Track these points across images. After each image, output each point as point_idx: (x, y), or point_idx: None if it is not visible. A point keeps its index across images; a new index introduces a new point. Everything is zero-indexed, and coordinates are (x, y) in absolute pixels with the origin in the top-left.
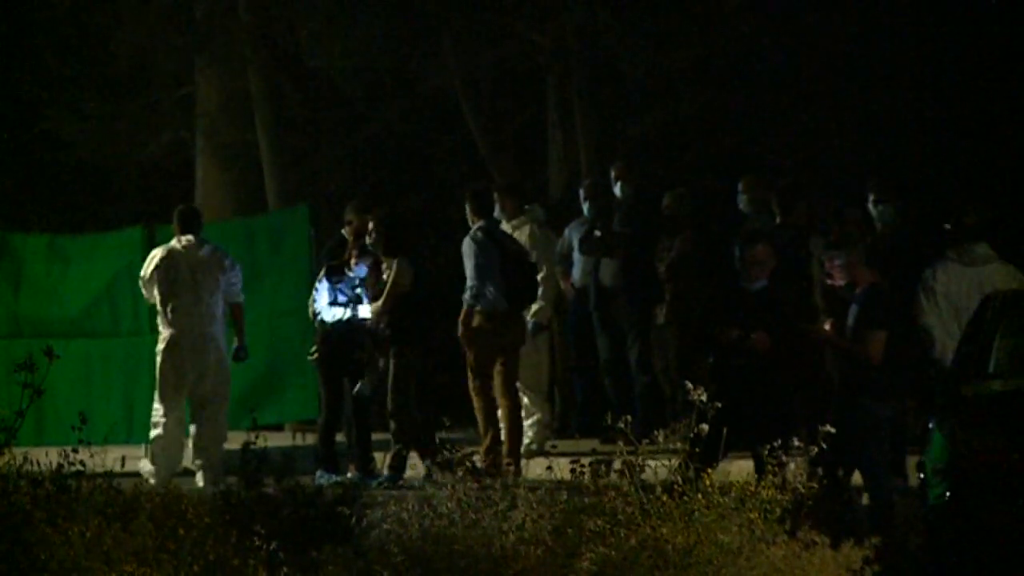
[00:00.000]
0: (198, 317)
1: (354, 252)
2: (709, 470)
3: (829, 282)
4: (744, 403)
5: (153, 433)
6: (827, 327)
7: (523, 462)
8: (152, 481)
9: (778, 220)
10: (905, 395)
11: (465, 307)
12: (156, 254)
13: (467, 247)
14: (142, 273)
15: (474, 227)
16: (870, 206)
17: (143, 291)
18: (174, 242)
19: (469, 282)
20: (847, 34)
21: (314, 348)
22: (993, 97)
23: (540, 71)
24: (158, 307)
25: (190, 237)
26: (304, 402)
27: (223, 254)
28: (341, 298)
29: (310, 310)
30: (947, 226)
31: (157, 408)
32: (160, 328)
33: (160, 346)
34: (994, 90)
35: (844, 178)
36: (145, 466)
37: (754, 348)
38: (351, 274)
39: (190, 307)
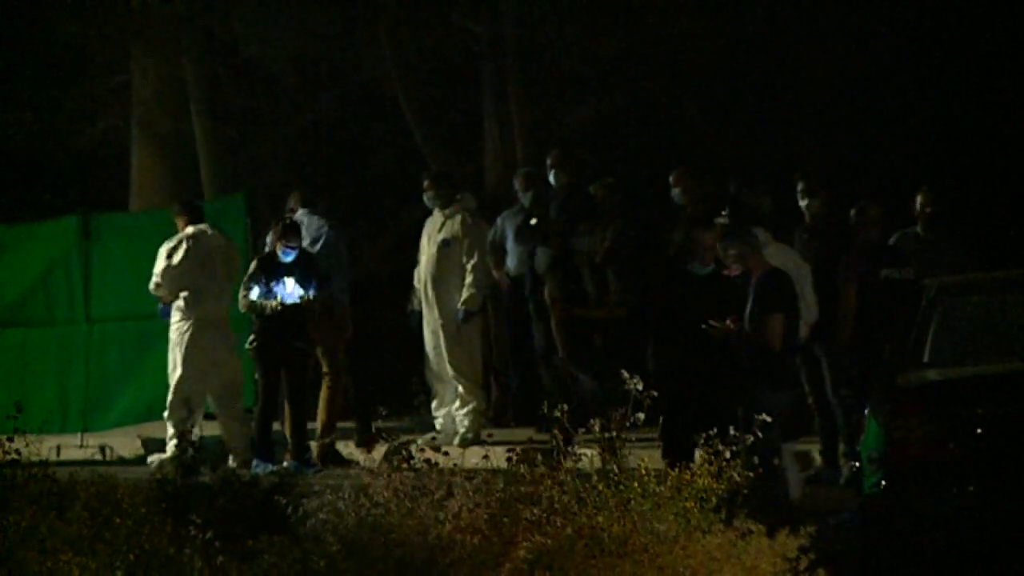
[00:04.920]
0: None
1: (279, 241)
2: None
3: (725, 272)
4: (687, 390)
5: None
6: (729, 323)
7: (460, 451)
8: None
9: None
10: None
11: None
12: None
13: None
14: (170, 260)
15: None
16: (799, 197)
17: (163, 277)
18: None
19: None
20: (784, 21)
21: (252, 337)
22: (945, 83)
23: (476, 60)
24: (182, 294)
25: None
26: None
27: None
28: (276, 288)
29: (240, 299)
30: (723, 213)
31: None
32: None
33: (187, 333)
34: (949, 77)
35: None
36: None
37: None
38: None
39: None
